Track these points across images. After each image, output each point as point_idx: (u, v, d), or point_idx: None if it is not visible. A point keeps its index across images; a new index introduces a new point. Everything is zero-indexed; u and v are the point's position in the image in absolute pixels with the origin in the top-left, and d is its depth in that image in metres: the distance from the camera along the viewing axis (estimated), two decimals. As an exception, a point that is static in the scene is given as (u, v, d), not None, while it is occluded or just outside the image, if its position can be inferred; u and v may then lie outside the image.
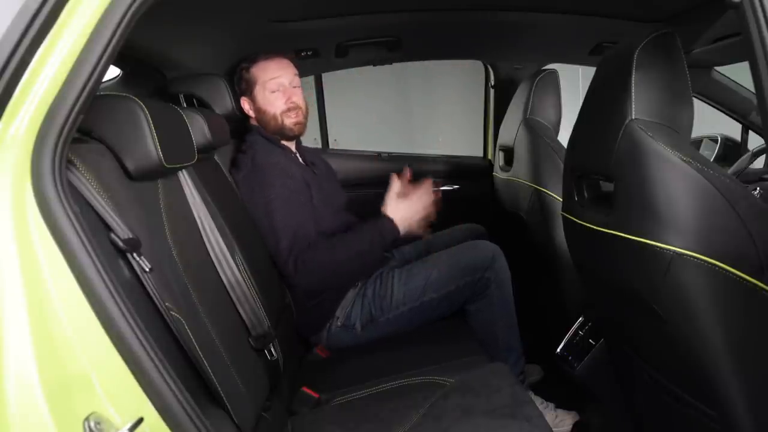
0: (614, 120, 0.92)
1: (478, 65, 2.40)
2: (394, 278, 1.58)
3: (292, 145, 1.70)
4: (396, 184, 1.58)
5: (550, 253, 1.59)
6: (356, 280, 1.58)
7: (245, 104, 1.65)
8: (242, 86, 1.64)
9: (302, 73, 1.72)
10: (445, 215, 2.31)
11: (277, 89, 1.61)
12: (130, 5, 0.67)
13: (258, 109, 1.63)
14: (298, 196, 1.52)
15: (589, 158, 1.07)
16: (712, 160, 1.77)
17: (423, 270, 1.58)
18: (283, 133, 1.63)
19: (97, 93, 0.72)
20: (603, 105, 1.01)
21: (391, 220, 1.51)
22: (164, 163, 0.90)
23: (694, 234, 0.83)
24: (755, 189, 1.57)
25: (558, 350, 1.53)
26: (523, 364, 1.65)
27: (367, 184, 2.29)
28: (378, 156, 2.39)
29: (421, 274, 1.57)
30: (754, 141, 2.08)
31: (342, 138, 2.97)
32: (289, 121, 1.62)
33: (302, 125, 1.65)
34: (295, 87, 1.64)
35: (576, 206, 1.13)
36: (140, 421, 0.64)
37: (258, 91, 1.62)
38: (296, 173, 1.57)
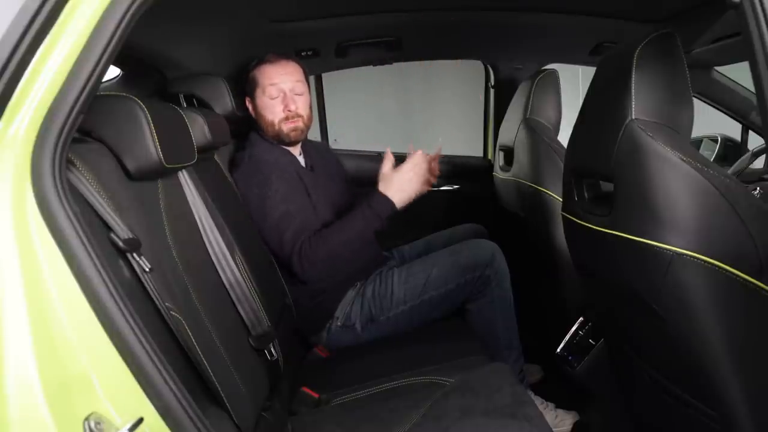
0: (614, 120, 0.92)
1: (478, 65, 2.40)
2: (394, 277, 1.58)
3: (293, 147, 1.69)
4: (388, 159, 1.55)
5: (550, 253, 1.59)
6: (363, 261, 1.56)
7: (249, 105, 1.65)
8: (247, 86, 1.64)
9: (302, 74, 1.71)
10: (445, 215, 2.31)
11: (277, 96, 1.58)
12: (130, 5, 0.67)
13: (257, 113, 1.63)
14: (296, 192, 1.52)
15: (589, 158, 1.07)
16: (712, 160, 1.77)
17: (423, 268, 1.58)
18: (280, 138, 1.62)
19: (97, 93, 0.72)
20: (603, 105, 1.01)
21: (381, 193, 1.48)
22: (164, 163, 0.90)
23: (694, 234, 0.83)
24: (755, 189, 1.57)
25: (558, 350, 1.53)
26: (523, 363, 1.66)
27: (367, 184, 2.29)
28: (378, 156, 2.39)
29: (421, 272, 1.57)
30: (754, 141, 2.08)
31: (342, 138, 2.97)
32: (287, 128, 1.59)
33: (300, 132, 1.62)
34: (297, 94, 1.60)
35: (576, 206, 1.13)
36: (140, 421, 0.64)
37: (258, 95, 1.61)
38: (291, 170, 1.57)
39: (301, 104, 1.61)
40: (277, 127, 1.60)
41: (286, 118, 1.59)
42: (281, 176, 1.52)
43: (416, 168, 1.51)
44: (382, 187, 1.50)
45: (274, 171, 1.52)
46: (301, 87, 1.62)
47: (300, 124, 1.61)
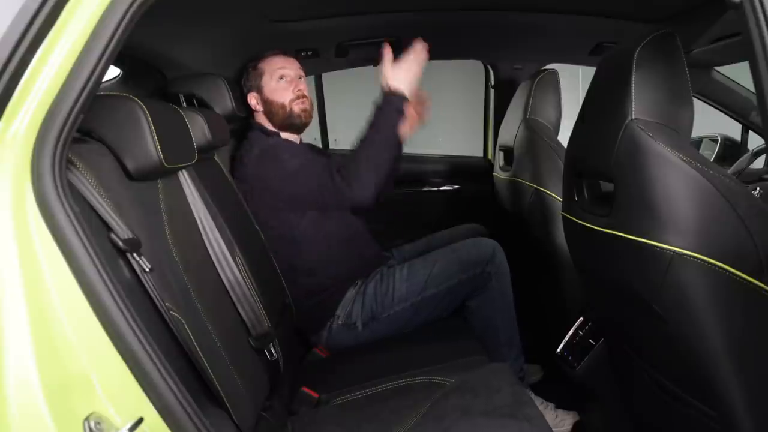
0: (614, 120, 0.92)
1: (478, 65, 2.40)
2: (396, 274, 1.58)
3: (295, 140, 1.70)
4: (388, 53, 1.53)
5: (550, 253, 1.59)
6: (397, 150, 1.55)
7: (252, 100, 1.67)
8: (250, 82, 1.67)
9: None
10: (445, 215, 2.31)
11: (285, 77, 1.64)
12: (130, 5, 0.67)
13: (266, 101, 1.65)
14: (313, 157, 1.58)
15: (589, 158, 1.07)
16: (712, 160, 1.77)
17: (425, 265, 1.59)
18: (291, 121, 1.65)
19: (97, 93, 0.72)
20: (603, 105, 1.01)
21: (391, 91, 1.49)
22: (164, 163, 0.90)
23: (694, 234, 0.83)
24: (755, 189, 1.57)
25: (558, 350, 1.53)
26: (523, 361, 1.66)
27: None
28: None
29: (422, 269, 1.58)
30: (754, 141, 2.08)
31: (342, 138, 2.96)
32: (298, 108, 1.64)
33: (309, 113, 1.68)
34: (300, 78, 1.68)
35: (576, 206, 1.13)
36: (140, 421, 0.64)
37: (265, 82, 1.64)
38: (300, 148, 1.63)
39: (306, 88, 1.69)
40: (288, 109, 1.64)
41: (297, 98, 1.65)
42: (295, 152, 1.57)
43: (419, 57, 1.52)
44: (392, 82, 1.50)
45: (287, 149, 1.58)
46: (303, 74, 1.70)
47: (308, 105, 1.67)
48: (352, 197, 1.46)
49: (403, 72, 1.50)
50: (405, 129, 1.56)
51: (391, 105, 1.48)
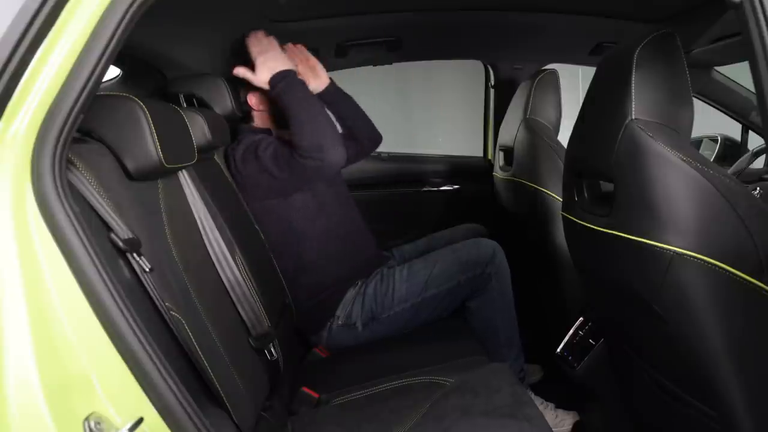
0: (614, 120, 0.93)
1: (478, 65, 2.40)
2: (396, 275, 1.58)
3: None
4: (240, 73, 1.51)
5: (550, 253, 1.59)
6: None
7: (252, 99, 1.63)
8: (249, 83, 1.63)
9: (302, 74, 1.72)
10: (445, 215, 2.31)
11: None
12: (130, 5, 0.68)
13: (267, 99, 1.62)
14: (282, 143, 1.52)
15: (589, 158, 1.07)
16: (712, 160, 1.77)
17: (425, 266, 1.58)
18: None
19: (97, 93, 0.72)
20: (603, 105, 1.01)
21: (271, 78, 1.46)
22: (164, 163, 0.90)
23: (694, 234, 0.83)
24: (755, 189, 1.57)
25: (558, 350, 1.53)
26: (523, 361, 1.66)
27: (367, 184, 2.29)
28: (378, 156, 2.39)
29: (423, 270, 1.57)
30: (754, 141, 2.08)
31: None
32: None
33: None
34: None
35: (576, 206, 1.13)
36: (140, 421, 0.64)
37: None
38: (276, 140, 1.56)
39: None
40: None
41: None
42: (270, 143, 1.51)
43: (264, 46, 1.49)
44: (263, 78, 1.47)
45: (262, 141, 1.52)
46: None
47: None
48: (322, 164, 1.40)
49: (261, 68, 1.47)
50: (318, 82, 1.67)
51: (282, 84, 1.44)
